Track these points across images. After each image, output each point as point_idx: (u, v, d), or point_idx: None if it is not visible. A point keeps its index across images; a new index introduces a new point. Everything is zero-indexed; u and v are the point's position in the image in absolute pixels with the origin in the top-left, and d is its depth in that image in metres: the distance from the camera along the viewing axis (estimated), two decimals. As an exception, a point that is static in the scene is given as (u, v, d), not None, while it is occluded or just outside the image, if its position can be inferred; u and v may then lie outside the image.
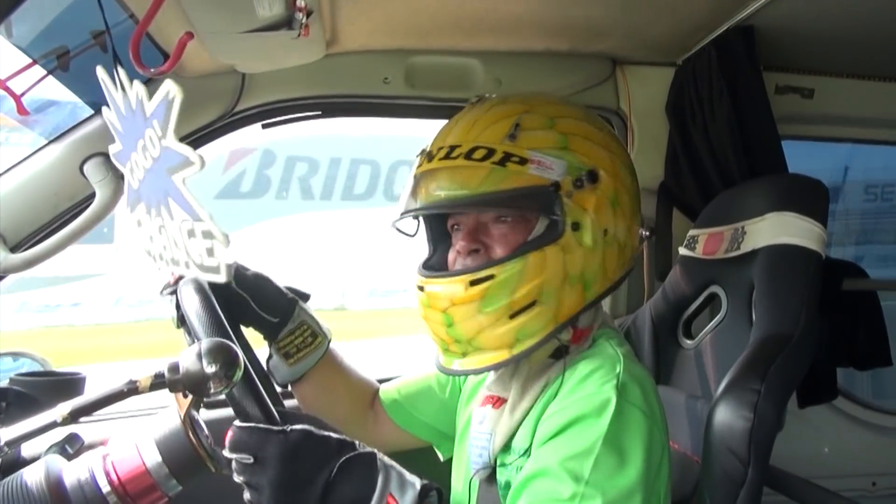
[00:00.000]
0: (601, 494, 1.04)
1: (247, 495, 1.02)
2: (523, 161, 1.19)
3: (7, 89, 1.45)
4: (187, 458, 1.03)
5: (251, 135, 1.88)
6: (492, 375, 1.33)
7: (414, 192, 1.31)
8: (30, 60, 1.47)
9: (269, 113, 1.83)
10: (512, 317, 1.21)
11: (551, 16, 1.69)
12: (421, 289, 1.27)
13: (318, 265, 11.06)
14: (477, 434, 1.31)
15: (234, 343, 1.01)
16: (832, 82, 2.03)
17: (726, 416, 1.24)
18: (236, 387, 1.02)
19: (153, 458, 1.02)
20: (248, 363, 1.03)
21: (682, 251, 1.69)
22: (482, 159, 1.20)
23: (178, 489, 1.04)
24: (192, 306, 1.13)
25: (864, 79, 2.05)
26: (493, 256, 1.24)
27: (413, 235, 1.37)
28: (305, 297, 1.48)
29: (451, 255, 1.30)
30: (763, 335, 1.35)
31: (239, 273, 1.41)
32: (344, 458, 1.01)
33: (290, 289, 1.46)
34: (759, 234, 1.46)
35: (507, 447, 1.26)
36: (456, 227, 1.30)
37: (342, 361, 1.55)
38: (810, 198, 1.46)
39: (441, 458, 1.56)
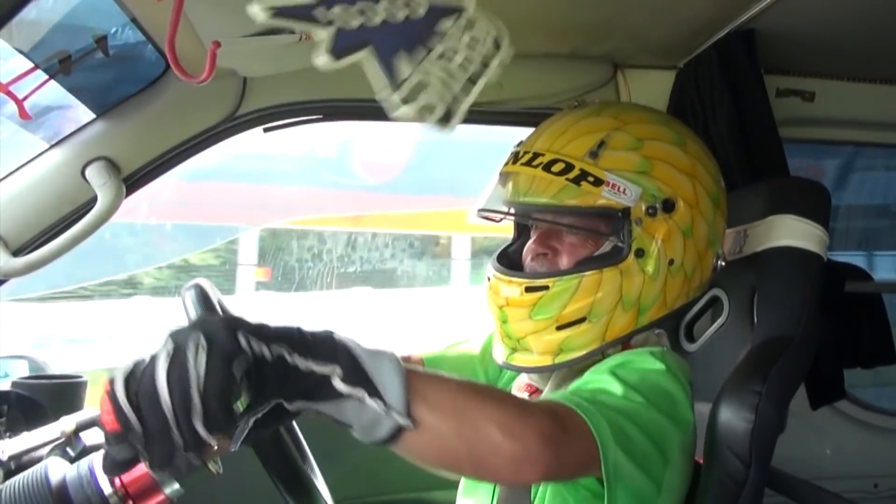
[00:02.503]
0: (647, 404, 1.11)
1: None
2: (598, 182, 1.21)
3: (9, 93, 1.45)
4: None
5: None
6: None
7: (497, 188, 1.35)
8: (31, 64, 1.48)
9: (271, 117, 1.82)
10: (559, 328, 1.25)
11: (553, 19, 1.69)
12: (489, 279, 1.33)
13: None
14: None
15: None
16: (833, 85, 2.03)
17: (727, 417, 1.24)
18: None
19: (155, 459, 1.02)
20: None
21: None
22: (559, 173, 1.22)
23: (179, 492, 1.04)
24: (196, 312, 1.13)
25: (866, 82, 2.06)
26: (558, 264, 1.28)
27: (499, 222, 1.41)
28: None
29: (525, 250, 1.34)
30: (764, 337, 1.35)
31: None
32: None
33: None
34: (761, 237, 1.46)
35: None
36: (534, 226, 1.35)
37: None
38: (811, 200, 1.46)
39: None
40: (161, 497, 1.03)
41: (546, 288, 1.23)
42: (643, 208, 1.22)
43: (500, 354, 1.35)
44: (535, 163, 1.25)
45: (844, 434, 2.20)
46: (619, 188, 1.21)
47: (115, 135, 1.64)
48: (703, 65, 1.84)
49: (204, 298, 1.12)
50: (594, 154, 1.22)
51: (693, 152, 1.30)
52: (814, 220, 1.41)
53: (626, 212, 1.22)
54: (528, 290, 1.25)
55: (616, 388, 1.11)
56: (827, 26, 1.72)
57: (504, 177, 1.33)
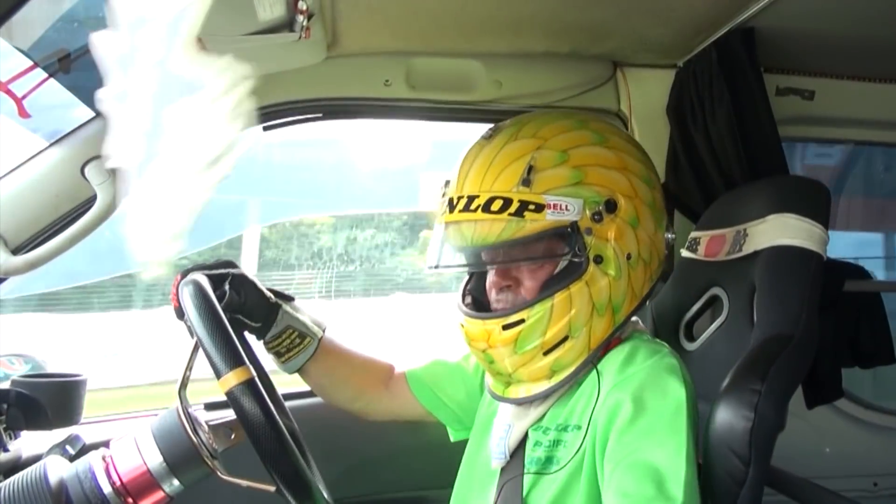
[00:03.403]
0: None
1: None
2: (540, 208, 1.23)
3: (8, 92, 1.45)
4: (189, 458, 1.03)
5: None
6: None
7: (442, 239, 1.35)
8: (31, 63, 1.47)
9: (270, 115, 1.83)
10: (546, 353, 1.28)
11: (552, 18, 1.69)
12: (461, 325, 1.35)
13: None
14: (499, 425, 1.37)
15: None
16: (833, 84, 2.03)
17: (727, 416, 1.24)
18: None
19: (154, 457, 1.02)
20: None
21: (684, 253, 1.69)
22: (499, 211, 1.24)
23: (179, 489, 1.04)
24: (193, 308, 1.12)
25: (865, 80, 2.05)
26: (524, 293, 1.30)
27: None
28: (289, 299, 1.50)
29: (487, 284, 1.35)
30: (764, 336, 1.35)
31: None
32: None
33: (272, 291, 1.46)
34: (761, 236, 1.46)
35: (537, 426, 1.33)
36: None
37: (341, 349, 1.57)
38: (811, 199, 1.45)
39: (451, 439, 1.61)
40: (160, 495, 1.03)
41: (522, 321, 1.26)
42: (589, 216, 1.25)
43: (496, 391, 1.38)
44: (472, 207, 1.26)
45: (844, 433, 2.20)
46: (560, 206, 1.23)
47: (114, 133, 1.64)
48: (703, 63, 1.84)
49: (201, 293, 1.12)
50: (527, 182, 1.24)
51: (616, 145, 1.32)
52: (814, 219, 1.41)
53: (574, 226, 1.24)
54: (506, 327, 1.27)
55: (657, 456, 1.14)
56: (826, 25, 1.72)
57: (446, 227, 1.33)
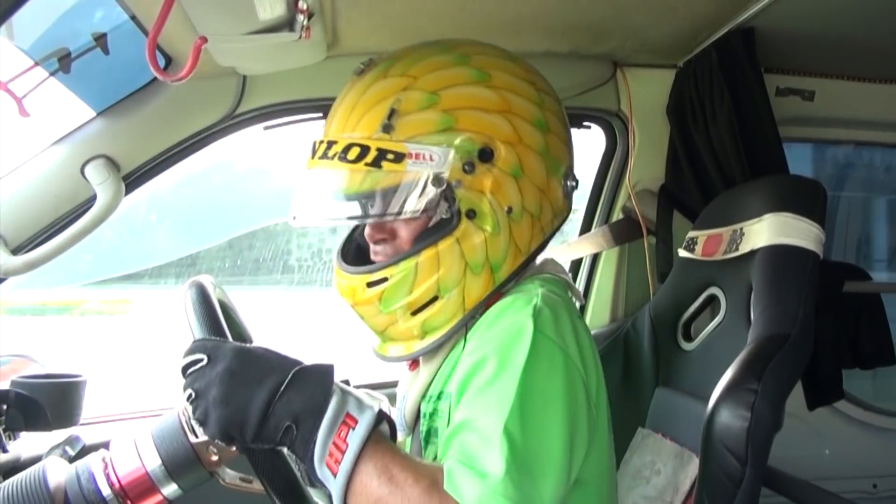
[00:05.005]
0: (519, 459, 0.96)
1: (191, 407, 0.96)
2: (399, 157, 1.12)
3: (8, 91, 1.45)
4: (187, 462, 1.03)
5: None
6: None
7: (300, 188, 1.25)
8: (31, 62, 1.47)
9: (271, 115, 1.83)
10: (414, 314, 1.18)
11: (552, 18, 1.69)
12: (335, 277, 1.26)
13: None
14: (399, 395, 1.30)
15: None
16: (833, 84, 2.04)
17: (724, 415, 1.24)
18: None
19: (153, 460, 1.02)
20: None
21: (682, 253, 1.69)
22: (356, 160, 1.13)
23: (178, 493, 1.04)
24: (194, 312, 1.11)
25: (865, 81, 2.06)
26: (398, 246, 1.19)
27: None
28: None
29: (366, 234, 1.24)
30: (760, 335, 1.35)
31: None
32: (298, 367, 0.96)
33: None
34: (758, 235, 1.46)
35: (424, 396, 1.23)
36: None
37: None
38: (808, 199, 1.46)
39: None
40: (159, 498, 1.03)
41: (385, 279, 1.16)
42: (459, 167, 1.13)
43: (377, 349, 1.29)
44: (330, 153, 1.15)
45: (843, 434, 2.20)
46: (424, 156, 1.12)
47: (114, 133, 1.64)
48: (703, 63, 1.84)
49: (204, 298, 1.11)
50: (387, 127, 1.12)
51: (502, 83, 1.18)
52: (810, 218, 1.41)
53: (438, 178, 1.12)
54: (370, 285, 1.18)
55: (487, 421, 1.00)
56: (827, 25, 1.72)
57: (306, 177, 1.23)
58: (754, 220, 1.48)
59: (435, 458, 1.13)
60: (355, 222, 1.24)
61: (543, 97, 1.22)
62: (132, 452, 1.02)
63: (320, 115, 1.90)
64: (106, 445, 1.07)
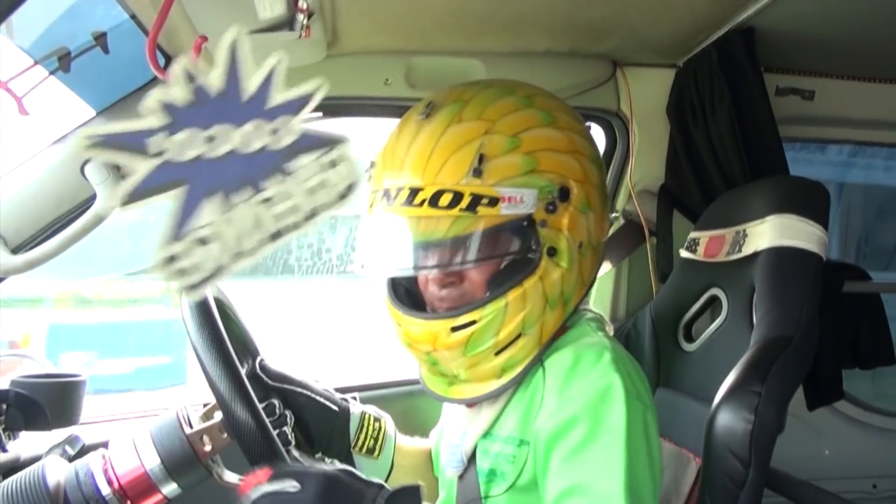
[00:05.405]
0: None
1: None
2: (494, 202, 1.12)
3: (8, 90, 1.45)
4: (186, 462, 1.03)
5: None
6: None
7: (374, 235, 1.23)
8: (31, 61, 1.47)
9: (270, 115, 1.82)
10: (497, 353, 1.18)
11: (552, 17, 1.69)
12: (398, 324, 1.24)
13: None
14: (451, 431, 1.31)
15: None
16: (833, 84, 2.03)
17: (727, 418, 1.24)
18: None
19: (152, 460, 1.02)
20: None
21: (684, 253, 1.69)
22: (449, 206, 1.12)
23: (177, 492, 1.04)
24: (190, 314, 1.10)
25: (865, 80, 2.05)
26: (470, 289, 1.20)
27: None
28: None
29: (421, 279, 1.24)
30: (763, 337, 1.35)
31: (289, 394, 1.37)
32: (388, 492, 0.96)
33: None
34: (761, 237, 1.46)
35: (487, 434, 1.24)
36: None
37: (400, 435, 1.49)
38: (811, 200, 1.46)
39: None
40: (159, 497, 1.03)
41: (474, 322, 1.15)
42: (543, 208, 1.15)
43: (437, 390, 1.28)
44: (416, 201, 1.13)
45: (843, 435, 2.20)
46: (515, 199, 1.13)
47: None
48: (703, 63, 1.84)
49: (203, 305, 1.11)
50: (478, 172, 1.11)
51: (565, 125, 1.22)
52: (813, 220, 1.41)
53: (529, 219, 1.15)
54: (455, 329, 1.16)
55: (594, 481, 1.05)
56: (827, 25, 1.72)
57: (380, 221, 1.21)
58: (757, 221, 1.48)
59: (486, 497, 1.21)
60: (443, 269, 1.19)
61: (590, 136, 1.27)
62: (131, 452, 1.03)
63: (320, 114, 1.89)
64: (105, 445, 1.07)
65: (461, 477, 1.27)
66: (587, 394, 1.11)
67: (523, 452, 1.17)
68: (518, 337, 1.18)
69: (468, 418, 1.27)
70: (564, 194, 1.17)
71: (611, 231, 1.87)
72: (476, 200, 1.11)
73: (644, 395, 1.14)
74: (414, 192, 1.13)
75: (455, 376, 1.23)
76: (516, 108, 1.19)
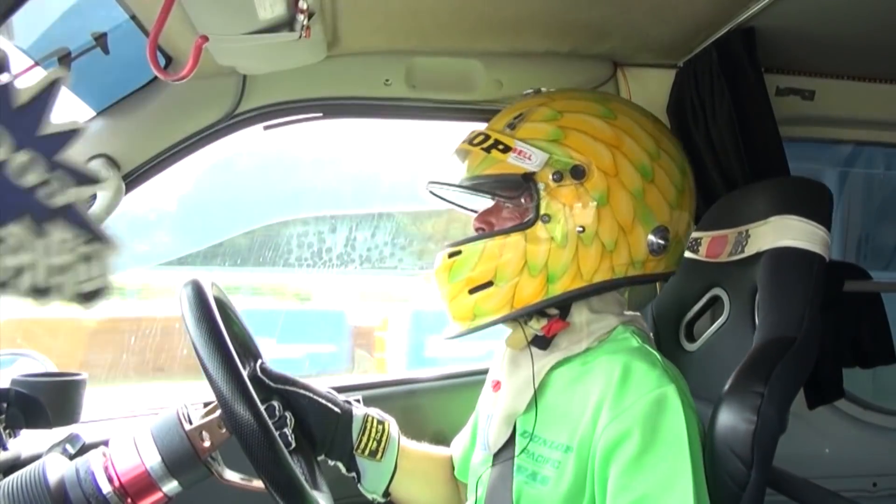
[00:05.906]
0: None
1: None
2: (506, 149, 1.26)
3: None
4: (187, 459, 1.03)
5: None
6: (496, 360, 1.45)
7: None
8: (31, 62, 1.47)
9: (271, 115, 1.82)
10: (471, 292, 1.29)
11: (553, 17, 1.69)
12: None
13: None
14: (482, 415, 1.39)
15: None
16: (833, 84, 2.03)
17: (729, 418, 1.24)
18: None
19: (153, 458, 1.02)
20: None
21: (686, 253, 1.69)
22: (478, 143, 1.30)
23: (178, 490, 1.04)
24: (190, 311, 1.09)
25: (865, 80, 2.05)
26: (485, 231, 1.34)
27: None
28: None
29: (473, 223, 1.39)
30: (766, 338, 1.35)
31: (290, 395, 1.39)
32: None
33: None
34: (763, 238, 1.46)
35: (524, 432, 1.29)
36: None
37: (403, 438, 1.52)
38: (813, 201, 1.45)
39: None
40: (159, 495, 1.03)
41: (459, 252, 1.30)
42: (549, 174, 1.25)
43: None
44: (469, 138, 1.34)
45: (844, 433, 2.20)
46: (524, 154, 1.25)
47: (114, 132, 1.64)
48: (703, 63, 1.84)
49: (199, 296, 1.10)
50: (512, 125, 1.30)
51: (623, 126, 1.30)
52: (816, 221, 1.41)
53: (528, 176, 1.26)
54: (450, 255, 1.31)
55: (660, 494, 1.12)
56: (827, 25, 1.72)
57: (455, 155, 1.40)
58: (760, 222, 1.48)
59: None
60: (457, 191, 1.41)
61: (662, 154, 1.31)
62: (132, 450, 1.03)
63: (320, 114, 1.90)
64: (106, 444, 1.07)
65: (496, 456, 1.33)
66: (642, 403, 1.16)
67: (568, 459, 1.22)
68: (489, 283, 1.28)
69: (492, 401, 1.37)
70: (578, 173, 1.25)
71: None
72: (495, 144, 1.27)
73: (692, 404, 1.21)
74: (476, 134, 1.33)
75: (447, 308, 1.35)
76: (583, 98, 1.35)
